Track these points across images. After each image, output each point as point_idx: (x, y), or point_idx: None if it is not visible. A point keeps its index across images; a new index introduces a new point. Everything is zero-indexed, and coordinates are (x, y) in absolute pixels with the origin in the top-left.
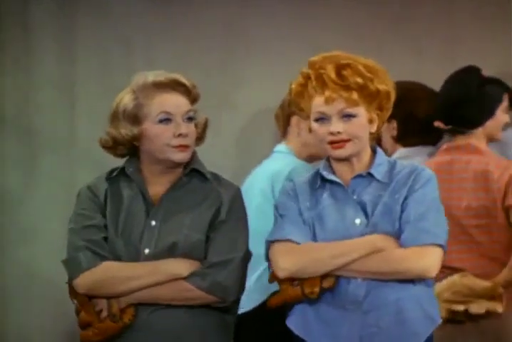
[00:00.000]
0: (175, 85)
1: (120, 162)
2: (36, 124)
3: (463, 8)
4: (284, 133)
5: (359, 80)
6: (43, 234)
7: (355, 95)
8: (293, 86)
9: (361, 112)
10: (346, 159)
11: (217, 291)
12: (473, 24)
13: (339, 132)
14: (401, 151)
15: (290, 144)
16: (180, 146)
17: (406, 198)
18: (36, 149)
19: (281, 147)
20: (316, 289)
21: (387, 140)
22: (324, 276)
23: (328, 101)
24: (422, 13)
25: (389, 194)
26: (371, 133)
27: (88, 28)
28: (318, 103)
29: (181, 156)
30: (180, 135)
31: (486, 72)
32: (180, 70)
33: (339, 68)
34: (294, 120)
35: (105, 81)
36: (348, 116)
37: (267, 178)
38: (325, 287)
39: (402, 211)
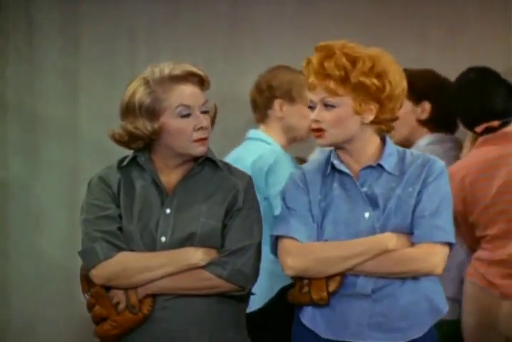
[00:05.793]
0: (190, 77)
1: (123, 150)
2: (39, 112)
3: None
4: (261, 117)
5: (337, 70)
6: (47, 220)
7: (333, 85)
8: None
9: (344, 102)
10: (339, 149)
11: (237, 278)
12: (476, 15)
13: (318, 120)
14: (430, 136)
15: (268, 129)
16: (201, 139)
17: (419, 192)
18: (39, 137)
19: (258, 133)
20: (324, 294)
21: (409, 123)
22: (329, 277)
23: (310, 88)
24: (427, 3)
25: (402, 187)
26: (371, 122)
27: (91, 17)
28: (308, 90)
29: (202, 150)
30: (200, 128)
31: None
32: (183, 59)
33: (324, 57)
34: (277, 103)
35: (108, 70)
36: (328, 105)
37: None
38: (331, 291)
39: (415, 204)
